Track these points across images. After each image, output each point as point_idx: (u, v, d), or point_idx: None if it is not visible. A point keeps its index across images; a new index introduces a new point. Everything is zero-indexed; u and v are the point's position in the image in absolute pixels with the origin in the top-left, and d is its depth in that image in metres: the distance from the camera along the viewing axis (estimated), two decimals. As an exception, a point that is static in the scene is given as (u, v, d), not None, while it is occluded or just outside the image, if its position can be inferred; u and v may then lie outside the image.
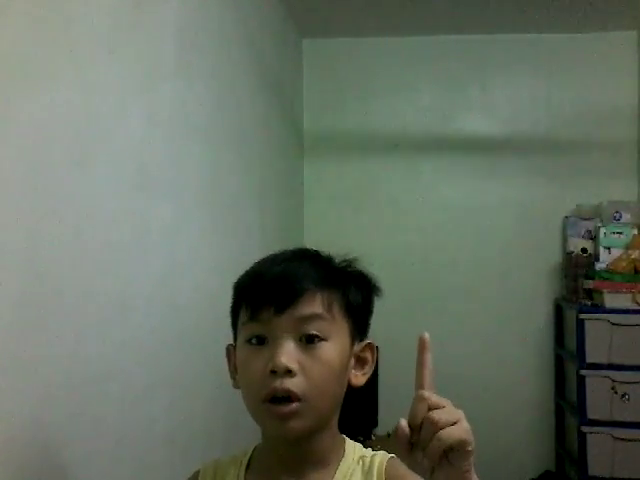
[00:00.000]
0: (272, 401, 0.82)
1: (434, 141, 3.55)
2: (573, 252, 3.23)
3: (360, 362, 0.92)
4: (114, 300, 1.34)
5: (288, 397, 0.81)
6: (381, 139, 3.56)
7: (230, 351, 0.94)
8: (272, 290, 0.84)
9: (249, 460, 0.95)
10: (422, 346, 0.75)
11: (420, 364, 0.74)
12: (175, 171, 1.70)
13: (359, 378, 0.92)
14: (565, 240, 3.35)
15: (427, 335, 0.74)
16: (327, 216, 3.55)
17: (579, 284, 3.13)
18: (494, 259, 3.49)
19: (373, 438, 3.34)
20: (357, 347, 0.91)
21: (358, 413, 3.40)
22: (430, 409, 0.68)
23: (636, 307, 2.92)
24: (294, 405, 0.81)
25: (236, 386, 0.90)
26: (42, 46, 1.09)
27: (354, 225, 3.54)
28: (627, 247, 3.06)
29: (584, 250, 3.23)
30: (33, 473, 1.07)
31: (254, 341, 0.85)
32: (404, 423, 0.69)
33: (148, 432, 1.51)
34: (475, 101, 3.56)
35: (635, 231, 3.10)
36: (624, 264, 3.02)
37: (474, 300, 3.49)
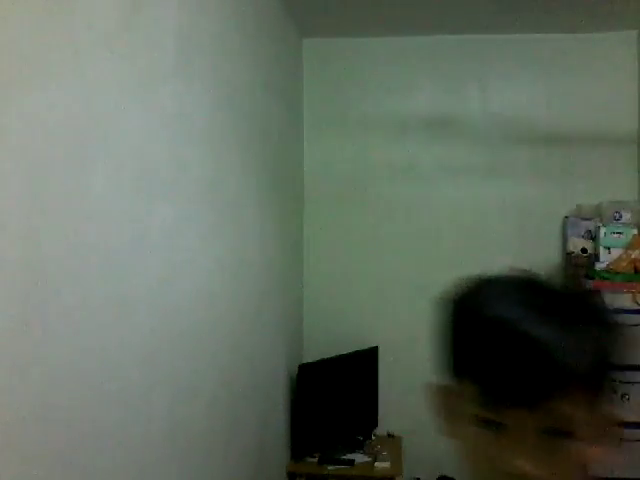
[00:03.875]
0: None
1: (434, 141, 3.55)
2: (573, 252, 3.23)
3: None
4: (114, 300, 1.34)
5: None
6: (381, 139, 3.57)
7: (438, 392, 0.76)
8: (529, 389, 0.64)
9: None
10: None
11: None
12: (175, 172, 1.70)
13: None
14: (565, 240, 3.35)
15: None
16: (327, 217, 3.54)
17: (579, 284, 3.13)
18: (494, 259, 3.48)
19: (373, 438, 3.34)
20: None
21: (358, 413, 3.40)
22: None
23: (636, 307, 2.92)
24: None
25: (449, 435, 0.74)
26: (42, 46, 1.09)
27: (354, 225, 3.54)
28: (627, 247, 3.07)
29: (584, 250, 3.22)
30: (33, 473, 1.07)
31: (486, 423, 0.68)
32: None
33: (148, 432, 1.51)
34: (475, 101, 3.56)
35: (635, 231, 3.10)
36: (624, 264, 3.02)
37: (474, 300, 3.48)
